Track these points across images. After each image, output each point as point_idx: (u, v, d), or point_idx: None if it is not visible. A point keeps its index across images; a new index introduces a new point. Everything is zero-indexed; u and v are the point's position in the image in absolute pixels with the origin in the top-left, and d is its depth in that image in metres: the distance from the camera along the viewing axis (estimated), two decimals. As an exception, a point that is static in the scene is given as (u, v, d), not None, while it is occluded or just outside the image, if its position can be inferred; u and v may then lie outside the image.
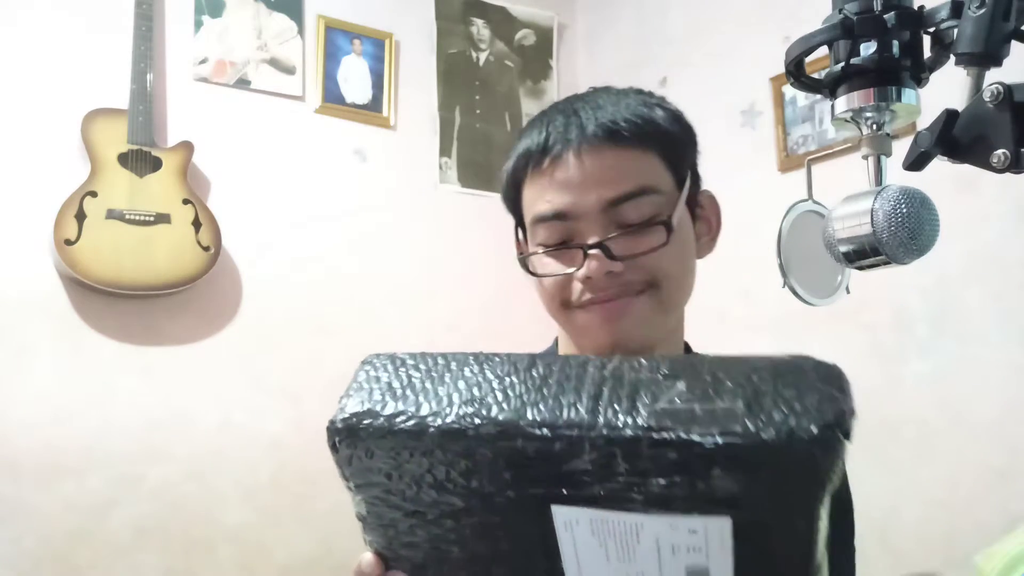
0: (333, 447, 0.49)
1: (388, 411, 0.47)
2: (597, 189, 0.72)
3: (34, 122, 1.98)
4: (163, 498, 2.00)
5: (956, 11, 0.55)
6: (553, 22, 2.83)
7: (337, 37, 2.41)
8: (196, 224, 2.05)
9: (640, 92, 0.79)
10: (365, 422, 0.48)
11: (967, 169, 0.56)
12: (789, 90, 2.12)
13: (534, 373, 0.47)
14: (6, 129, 1.96)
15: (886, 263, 0.57)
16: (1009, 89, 0.52)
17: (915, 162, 0.56)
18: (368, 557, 0.53)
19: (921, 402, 1.76)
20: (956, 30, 0.55)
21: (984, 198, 1.66)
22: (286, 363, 2.19)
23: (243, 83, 2.26)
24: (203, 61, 2.21)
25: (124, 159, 1.99)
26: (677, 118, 0.78)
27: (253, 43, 2.28)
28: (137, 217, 1.98)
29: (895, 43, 0.58)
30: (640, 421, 0.42)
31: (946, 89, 0.60)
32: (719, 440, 0.41)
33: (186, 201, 2.05)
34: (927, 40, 0.60)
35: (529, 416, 0.45)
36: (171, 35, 2.17)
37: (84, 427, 1.94)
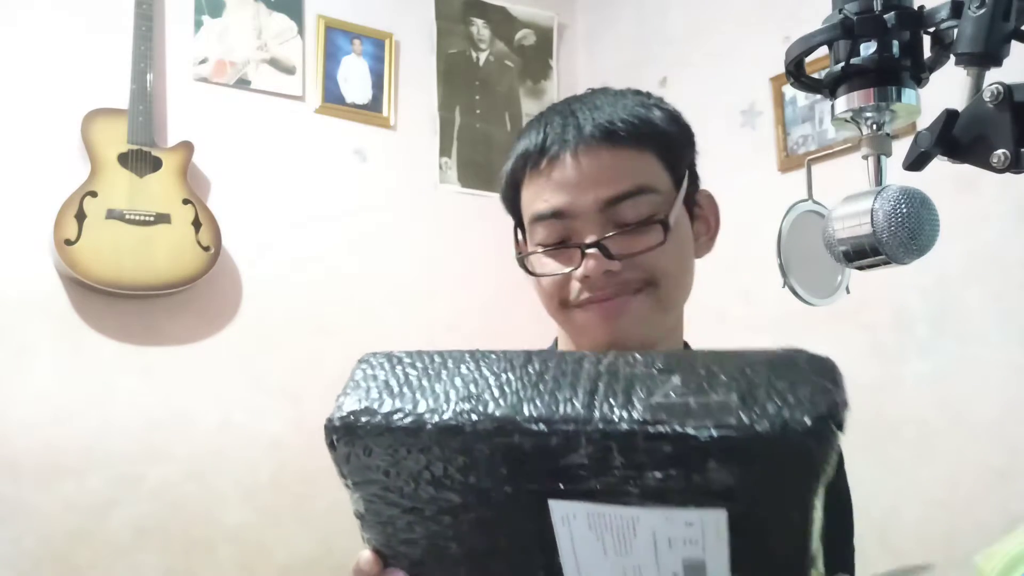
0: (331, 445, 0.49)
1: (385, 409, 0.48)
2: (594, 189, 0.72)
3: (34, 122, 1.98)
4: (163, 498, 2.00)
5: (956, 11, 0.55)
6: (553, 22, 2.83)
7: (337, 37, 2.41)
8: (196, 224, 2.05)
9: (638, 93, 0.79)
10: (363, 420, 0.48)
11: (967, 169, 0.56)
12: (789, 90, 2.12)
13: (530, 369, 0.47)
14: (6, 129, 1.96)
15: (886, 263, 0.57)
16: (1009, 89, 0.52)
17: (915, 162, 0.56)
18: (366, 555, 0.54)
19: (921, 402, 1.76)
20: (956, 30, 0.55)
21: (984, 198, 1.66)
22: (286, 363, 2.20)
23: (243, 83, 2.26)
24: (203, 61, 2.21)
25: (124, 159, 1.99)
26: (675, 118, 0.78)
27: (253, 43, 2.28)
28: (137, 217, 1.98)
29: (895, 43, 0.58)
30: (635, 415, 0.43)
31: (946, 89, 0.60)
32: (714, 433, 0.41)
33: (186, 201, 2.05)
34: (927, 40, 0.60)
35: (526, 412, 0.45)
36: (171, 35, 2.17)
37: (84, 427, 1.94)
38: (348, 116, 2.41)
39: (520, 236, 0.82)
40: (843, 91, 0.59)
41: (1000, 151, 0.52)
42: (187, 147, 2.09)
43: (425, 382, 0.49)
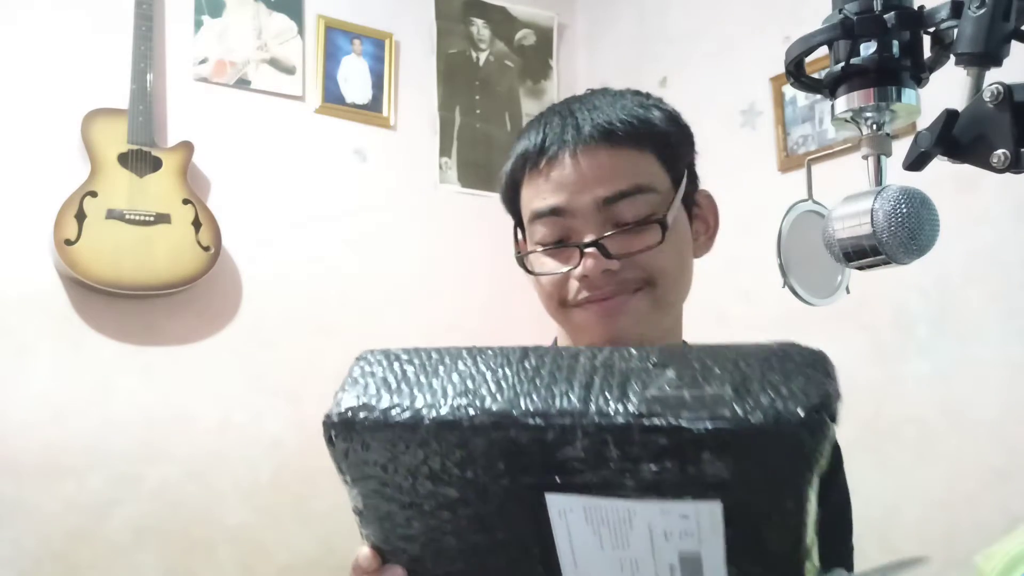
0: (329, 441, 0.49)
1: (383, 404, 0.48)
2: (592, 188, 0.73)
3: (34, 122, 1.98)
4: (163, 498, 2.00)
5: (956, 11, 0.55)
6: (553, 22, 2.83)
7: (337, 37, 2.41)
8: (196, 224, 2.05)
9: (637, 93, 0.80)
10: (361, 415, 0.48)
11: (967, 169, 0.56)
12: (789, 90, 2.12)
13: (527, 365, 0.48)
14: (6, 129, 1.96)
15: (886, 263, 0.57)
16: (1009, 89, 0.52)
17: (915, 162, 0.56)
18: (365, 552, 0.54)
19: (921, 402, 1.76)
20: (956, 30, 0.55)
21: (984, 198, 1.66)
22: (286, 363, 2.20)
23: (243, 83, 2.26)
24: (203, 61, 2.21)
25: (124, 159, 1.99)
26: (674, 118, 0.79)
27: (253, 43, 2.28)
28: (137, 217, 1.98)
29: (895, 43, 0.58)
30: (631, 408, 0.43)
31: (946, 89, 0.60)
32: (708, 425, 0.41)
33: (186, 201, 2.05)
34: (927, 40, 0.60)
35: (522, 406, 0.45)
36: (171, 35, 2.17)
37: (84, 427, 1.94)
38: (348, 116, 2.41)
39: (520, 236, 0.82)
40: (843, 91, 0.59)
41: (1000, 151, 0.52)
42: (187, 147, 2.09)
43: (423, 378, 0.49)
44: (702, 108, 2.11)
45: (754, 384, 0.43)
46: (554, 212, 0.74)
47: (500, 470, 0.46)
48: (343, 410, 0.49)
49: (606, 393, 0.44)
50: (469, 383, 0.47)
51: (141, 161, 2.01)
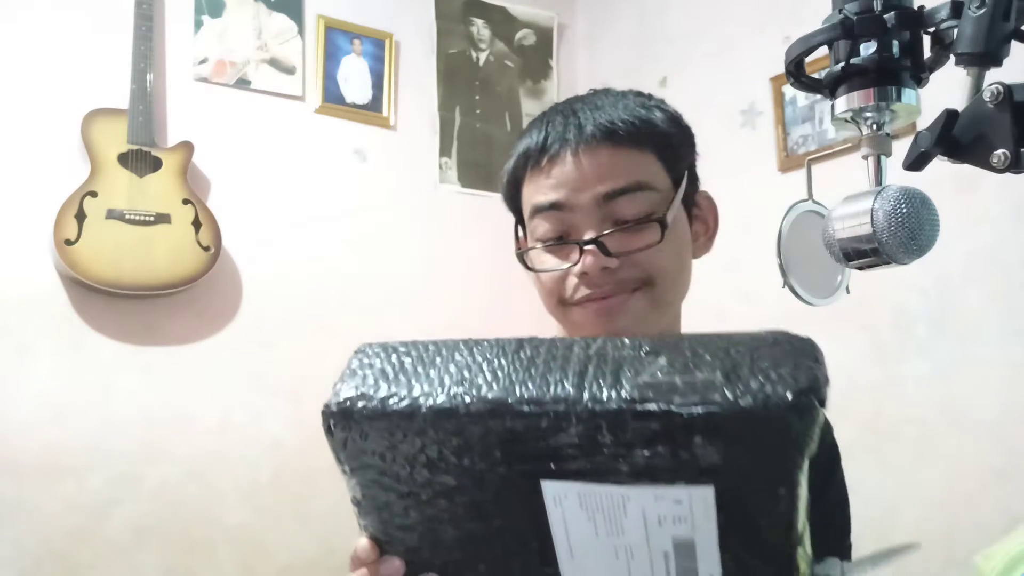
0: (328, 430, 0.50)
1: (381, 393, 0.49)
2: (593, 185, 0.74)
3: (34, 122, 1.98)
4: (163, 498, 2.00)
5: (956, 11, 0.55)
6: (553, 22, 2.83)
7: (337, 37, 2.41)
8: (196, 224, 2.05)
9: (640, 94, 0.81)
10: (359, 405, 0.49)
11: (967, 169, 0.56)
12: (789, 90, 2.12)
13: (522, 355, 0.49)
14: (6, 129, 1.96)
15: (886, 263, 0.57)
16: (1009, 89, 0.52)
17: (915, 162, 0.56)
18: (363, 543, 0.54)
19: (921, 402, 1.76)
20: (956, 30, 0.55)
21: (984, 198, 1.66)
22: (286, 363, 2.19)
23: (243, 83, 2.26)
24: (203, 61, 2.21)
25: (124, 159, 1.99)
26: (675, 119, 0.80)
27: (253, 43, 2.28)
28: (137, 217, 1.98)
29: (895, 43, 0.58)
30: (624, 394, 0.44)
31: (946, 89, 0.60)
32: (699, 409, 0.42)
33: (186, 201, 2.05)
34: (927, 40, 0.60)
35: (518, 393, 0.46)
36: (171, 35, 2.17)
37: (84, 427, 1.94)
38: (348, 116, 2.41)
39: (520, 233, 0.83)
40: (843, 91, 0.59)
41: (1000, 151, 0.52)
42: (187, 147, 2.09)
43: (420, 368, 0.50)
44: (702, 108, 2.11)
45: (744, 370, 0.44)
46: (554, 207, 0.75)
47: (496, 457, 0.47)
48: (342, 399, 0.49)
49: (599, 380, 0.45)
50: (465, 373, 0.48)
51: (141, 161, 2.01)
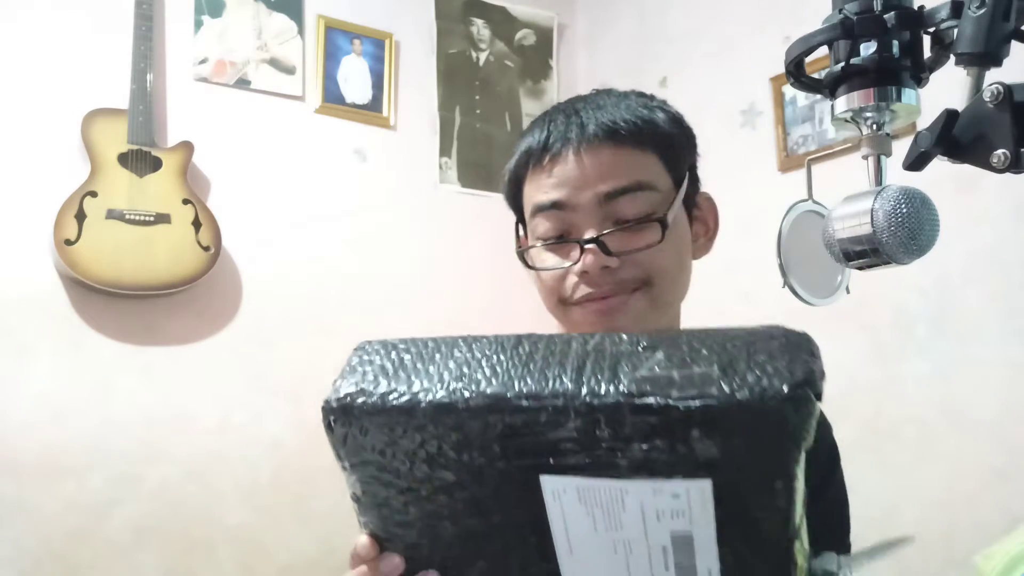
0: (328, 427, 0.50)
1: (381, 389, 0.49)
2: (594, 184, 0.74)
3: (34, 122, 1.98)
4: (163, 498, 2.00)
5: (956, 11, 0.55)
6: (553, 22, 2.83)
7: (337, 37, 2.41)
8: (196, 224, 2.05)
9: (642, 95, 0.81)
10: (359, 400, 0.49)
11: (967, 169, 0.56)
12: (789, 90, 2.12)
13: (520, 351, 0.49)
14: (6, 129, 1.96)
15: (886, 263, 0.57)
16: (1009, 89, 0.52)
17: (915, 162, 0.56)
18: (363, 540, 0.54)
19: (921, 402, 1.76)
20: (956, 30, 0.55)
21: (984, 198, 1.66)
22: (286, 363, 2.19)
23: (243, 83, 2.26)
24: (203, 61, 2.21)
25: (124, 159, 1.99)
26: (677, 120, 0.80)
27: (253, 43, 2.28)
28: (137, 217, 1.98)
29: (895, 43, 0.58)
30: (622, 388, 0.44)
31: (946, 89, 0.60)
32: (696, 402, 0.43)
33: (186, 201, 2.05)
34: (927, 40, 0.60)
35: (516, 388, 0.46)
36: (171, 35, 2.17)
37: (84, 427, 1.94)
38: (348, 116, 2.41)
39: (521, 232, 0.83)
40: (843, 91, 0.59)
41: (1000, 151, 0.52)
42: (187, 147, 2.09)
43: (419, 365, 0.50)
44: (702, 108, 2.11)
45: (740, 363, 0.44)
46: (555, 206, 0.75)
47: (495, 452, 0.47)
48: (342, 395, 0.50)
49: (597, 375, 0.46)
50: (465, 368, 0.49)
51: (141, 161, 2.01)
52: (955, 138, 0.55)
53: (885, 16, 0.57)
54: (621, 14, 2.72)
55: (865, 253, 0.57)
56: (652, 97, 0.81)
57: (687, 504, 0.45)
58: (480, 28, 2.69)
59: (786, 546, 0.46)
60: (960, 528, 1.64)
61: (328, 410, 0.50)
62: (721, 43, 2.33)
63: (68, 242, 1.89)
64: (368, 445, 0.50)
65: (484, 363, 0.49)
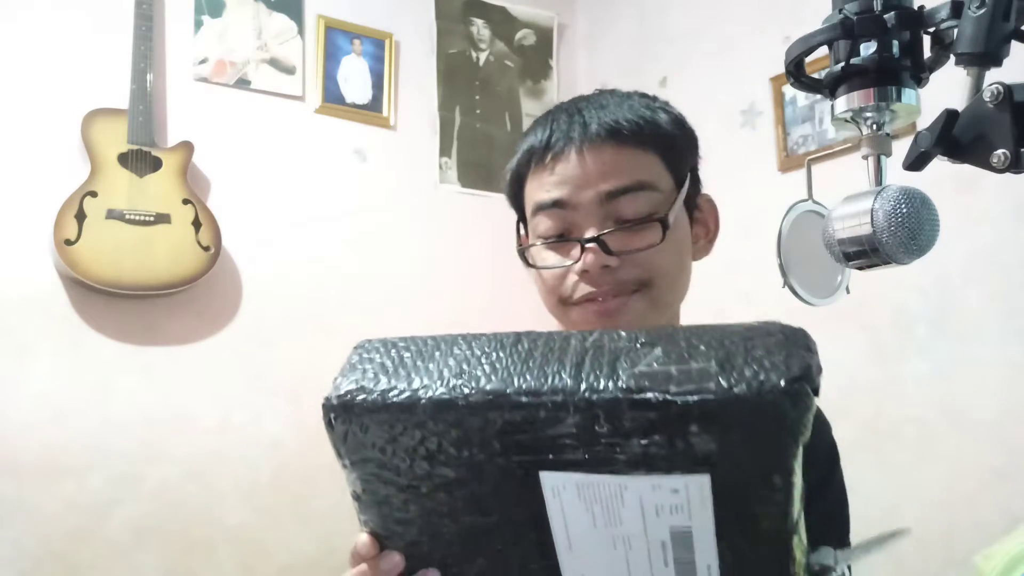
0: (328, 424, 0.51)
1: (381, 386, 0.49)
2: (596, 183, 0.74)
3: (34, 122, 1.98)
4: (163, 498, 2.00)
5: (956, 11, 0.55)
6: (553, 22, 2.83)
7: (337, 37, 2.41)
8: (196, 224, 2.05)
9: (644, 95, 0.81)
10: (359, 397, 0.49)
11: (967, 169, 0.56)
12: (789, 90, 2.12)
13: (520, 348, 0.49)
14: (6, 129, 1.96)
15: (886, 263, 0.57)
16: (1009, 89, 0.52)
17: (915, 162, 0.56)
18: (364, 538, 0.54)
19: (921, 402, 1.76)
20: (956, 30, 0.55)
21: (984, 198, 1.66)
22: (286, 363, 2.19)
23: (243, 83, 2.26)
24: (203, 61, 2.21)
25: (124, 159, 1.99)
26: (679, 122, 0.80)
27: (253, 43, 2.28)
28: (137, 217, 1.98)
29: (895, 43, 0.58)
30: (620, 384, 0.45)
31: (946, 89, 0.60)
32: (694, 397, 0.43)
33: (186, 201, 2.05)
34: (927, 40, 0.60)
35: (516, 384, 0.47)
36: (171, 35, 2.17)
37: (84, 427, 1.94)
38: (348, 116, 2.41)
39: (522, 231, 0.83)
40: (843, 91, 0.59)
41: (1000, 151, 0.52)
42: (187, 147, 2.09)
43: (419, 362, 0.50)
44: (702, 108, 2.11)
45: (738, 359, 0.44)
46: (556, 204, 0.75)
47: (495, 449, 0.47)
48: (342, 392, 0.50)
49: (596, 371, 0.46)
50: (464, 365, 0.49)
51: (141, 161, 2.01)
52: (955, 138, 0.55)
53: (885, 16, 0.57)
54: (621, 14, 2.72)
55: (865, 253, 0.57)
56: (655, 98, 0.81)
57: (686, 499, 0.45)
58: (480, 28, 2.69)
59: (785, 540, 0.46)
60: (960, 528, 1.64)
61: (329, 407, 0.50)
62: (721, 43, 2.33)
63: (68, 242, 1.89)
64: (368, 442, 0.50)
65: (484, 360, 0.49)
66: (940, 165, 0.57)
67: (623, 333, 0.49)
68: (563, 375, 0.46)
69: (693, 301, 0.82)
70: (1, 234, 1.92)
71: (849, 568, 0.82)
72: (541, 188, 0.77)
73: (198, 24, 2.21)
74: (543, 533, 0.50)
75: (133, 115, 2.01)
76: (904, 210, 0.55)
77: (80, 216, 1.92)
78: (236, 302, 2.18)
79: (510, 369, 0.48)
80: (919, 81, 0.59)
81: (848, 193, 0.59)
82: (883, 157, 0.60)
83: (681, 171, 0.78)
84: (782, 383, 0.42)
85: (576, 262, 0.74)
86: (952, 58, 0.55)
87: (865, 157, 0.60)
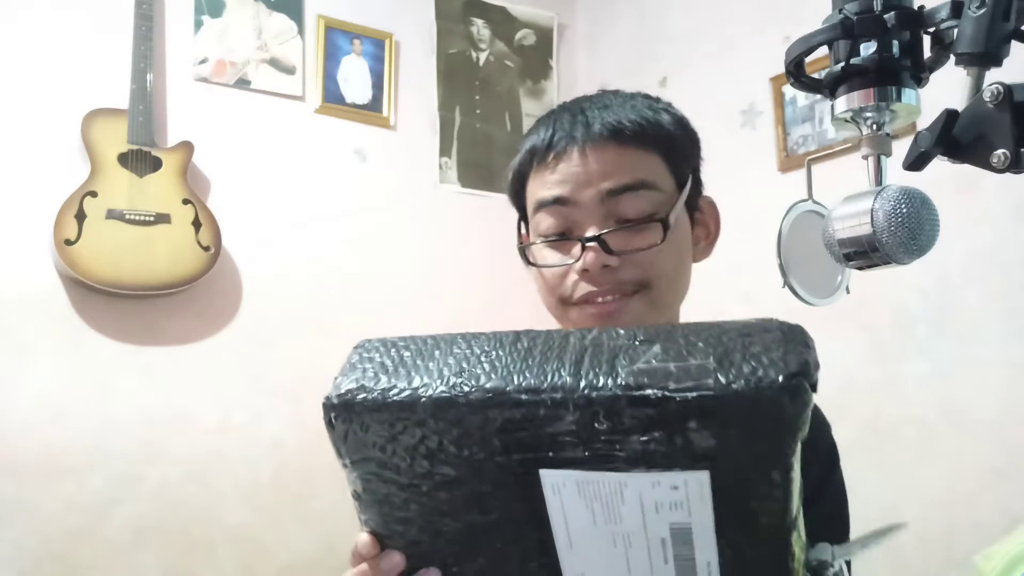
0: (329, 423, 0.51)
1: (381, 385, 0.49)
2: (597, 182, 0.74)
3: (34, 122, 1.98)
4: (163, 498, 2.00)
5: (956, 11, 0.55)
6: (553, 22, 2.83)
7: (337, 37, 2.41)
8: (196, 224, 2.05)
9: (648, 96, 0.82)
10: (359, 397, 0.49)
11: (967, 169, 0.56)
12: (789, 90, 2.12)
13: (519, 346, 0.50)
14: (6, 129, 1.96)
15: (886, 263, 0.57)
16: (1009, 89, 0.52)
17: (915, 162, 0.56)
18: (364, 538, 0.55)
19: (921, 402, 1.76)
20: (956, 30, 0.55)
21: (984, 198, 1.66)
22: (286, 363, 2.19)
23: (243, 83, 2.26)
24: (203, 61, 2.21)
25: (124, 159, 1.99)
26: (682, 123, 0.81)
27: (253, 43, 2.28)
28: (137, 217, 1.98)
29: (895, 43, 0.58)
30: (619, 381, 0.45)
31: (946, 89, 0.60)
32: (693, 393, 0.43)
33: (186, 201, 2.05)
34: (927, 40, 0.60)
35: (516, 382, 0.47)
36: (171, 35, 2.17)
37: (84, 427, 1.94)
38: (348, 116, 2.41)
39: (523, 229, 0.84)
40: (843, 91, 0.59)
41: (1000, 151, 0.52)
42: (187, 147, 2.09)
43: (419, 361, 0.50)
44: (702, 108, 2.10)
45: (736, 355, 0.45)
46: (558, 202, 0.75)
47: (495, 447, 0.48)
48: (343, 392, 0.50)
49: (595, 369, 0.46)
50: (464, 364, 0.49)
51: (141, 161, 2.01)
52: (955, 138, 0.55)
53: (885, 16, 0.57)
54: (621, 14, 2.72)
55: (865, 253, 0.57)
56: (658, 99, 0.82)
57: (686, 496, 0.46)
58: (480, 28, 2.69)
59: (784, 536, 0.46)
60: (960, 528, 1.64)
61: (329, 407, 0.50)
62: (721, 43, 2.33)
63: (68, 242, 1.89)
64: (369, 441, 0.50)
65: (483, 358, 0.49)
66: (940, 165, 0.57)
67: (621, 331, 0.49)
68: (562, 373, 0.46)
69: (693, 301, 0.82)
70: (1, 234, 1.92)
71: (848, 565, 0.82)
72: (543, 186, 0.77)
73: (198, 24, 2.21)
74: (543, 531, 0.50)
75: (133, 115, 2.01)
76: (904, 210, 0.55)
77: (80, 216, 1.92)
78: (236, 302, 2.18)
79: (510, 367, 0.48)
80: (919, 81, 0.59)
81: (848, 193, 0.59)
82: (883, 157, 0.60)
83: (683, 172, 0.78)
84: (780, 379, 0.43)
85: (577, 261, 0.74)
86: (952, 58, 0.55)
87: (865, 157, 0.60)
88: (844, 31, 0.58)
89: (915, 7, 0.58)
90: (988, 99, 0.52)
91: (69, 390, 1.95)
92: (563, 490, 0.48)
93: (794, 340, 0.46)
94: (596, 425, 0.45)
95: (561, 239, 0.76)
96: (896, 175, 0.59)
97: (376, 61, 2.47)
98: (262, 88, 2.28)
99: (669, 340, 0.47)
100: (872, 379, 1.84)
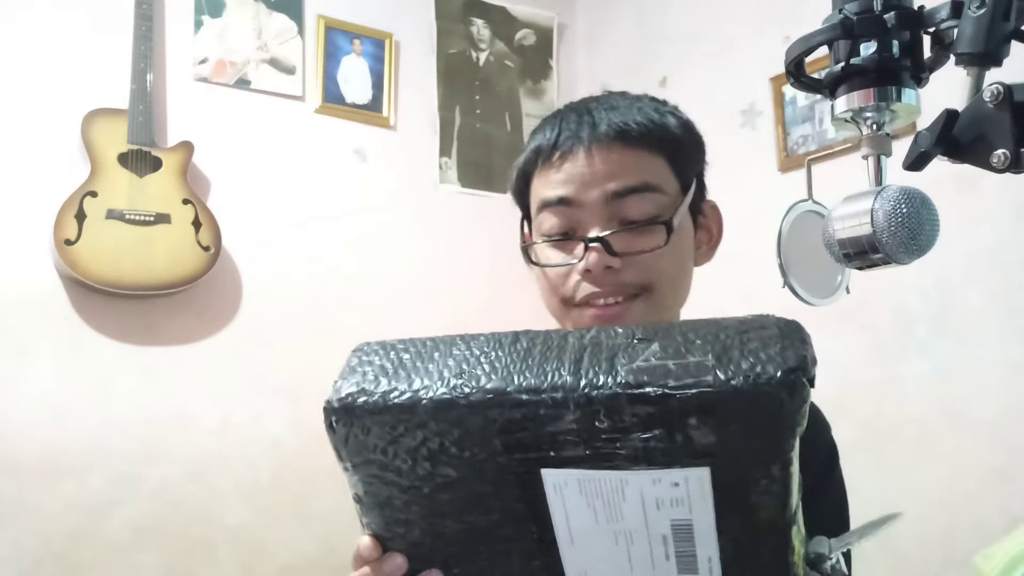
0: (330, 427, 0.51)
1: (382, 388, 0.49)
2: (602, 183, 0.74)
3: (34, 122, 1.98)
4: (163, 498, 2.00)
5: (956, 11, 0.55)
6: (553, 22, 2.83)
7: (337, 37, 2.41)
8: (196, 224, 2.05)
9: (654, 99, 0.82)
10: (360, 400, 0.49)
11: (967, 169, 0.56)
12: (789, 90, 2.12)
13: (519, 346, 0.50)
14: (6, 129, 1.96)
15: (886, 263, 0.57)
16: (1009, 89, 0.51)
17: (915, 162, 0.56)
18: (366, 541, 0.55)
19: (921, 402, 1.76)
20: (956, 30, 0.55)
21: (984, 198, 1.66)
22: (286, 363, 2.19)
23: (243, 83, 2.26)
24: (203, 61, 2.21)
25: (124, 159, 1.99)
26: (687, 126, 0.81)
27: (253, 43, 2.28)
28: (137, 217, 1.98)
29: (895, 43, 0.58)
30: (619, 379, 0.45)
31: (946, 89, 0.60)
32: (692, 390, 0.44)
33: (186, 201, 2.05)
34: (927, 40, 0.60)
35: (516, 383, 0.47)
36: (171, 35, 2.17)
37: (84, 427, 1.94)
38: (348, 116, 2.41)
39: (527, 228, 0.84)
40: (843, 91, 0.59)
41: (1000, 151, 0.52)
42: (187, 147, 2.09)
43: (419, 363, 0.50)
44: (702, 108, 2.10)
45: (734, 352, 0.45)
46: (562, 202, 0.75)
47: (496, 447, 0.48)
48: (343, 395, 0.50)
49: (595, 367, 0.46)
50: (464, 365, 0.49)
51: (141, 161, 2.01)
52: (955, 138, 0.55)
53: (885, 16, 0.57)
54: (621, 14, 2.72)
55: (865, 253, 0.57)
56: (664, 102, 0.82)
57: (686, 492, 0.46)
58: (480, 28, 2.69)
59: (784, 531, 0.46)
60: (960, 528, 1.64)
61: (330, 410, 0.50)
62: (721, 43, 2.33)
63: (68, 242, 1.89)
64: (370, 444, 0.50)
65: (483, 359, 0.49)
66: (940, 165, 0.57)
67: (620, 330, 0.49)
68: (562, 372, 0.47)
69: (692, 301, 0.82)
70: (1, 234, 1.92)
71: (848, 558, 0.82)
72: (548, 186, 0.77)
73: (198, 24, 2.21)
74: (545, 530, 0.50)
75: (133, 115, 2.01)
76: (904, 210, 0.55)
77: (80, 216, 1.92)
78: (236, 302, 2.18)
79: (510, 368, 0.48)
80: (919, 81, 0.59)
81: (848, 193, 0.59)
82: (883, 157, 0.60)
83: (687, 175, 0.79)
84: (778, 375, 0.43)
85: (579, 261, 0.74)
86: (952, 58, 0.55)
87: (865, 157, 0.60)
88: (844, 31, 0.58)
89: (915, 7, 0.58)
90: (988, 99, 0.52)
91: (69, 390, 1.95)
92: (564, 489, 0.48)
93: (791, 336, 0.46)
94: (596, 424, 0.45)
95: (564, 239, 0.76)
96: (896, 175, 0.59)
97: (376, 61, 2.47)
98: (262, 88, 2.28)
99: (667, 338, 0.47)
100: (872, 379, 1.84)
